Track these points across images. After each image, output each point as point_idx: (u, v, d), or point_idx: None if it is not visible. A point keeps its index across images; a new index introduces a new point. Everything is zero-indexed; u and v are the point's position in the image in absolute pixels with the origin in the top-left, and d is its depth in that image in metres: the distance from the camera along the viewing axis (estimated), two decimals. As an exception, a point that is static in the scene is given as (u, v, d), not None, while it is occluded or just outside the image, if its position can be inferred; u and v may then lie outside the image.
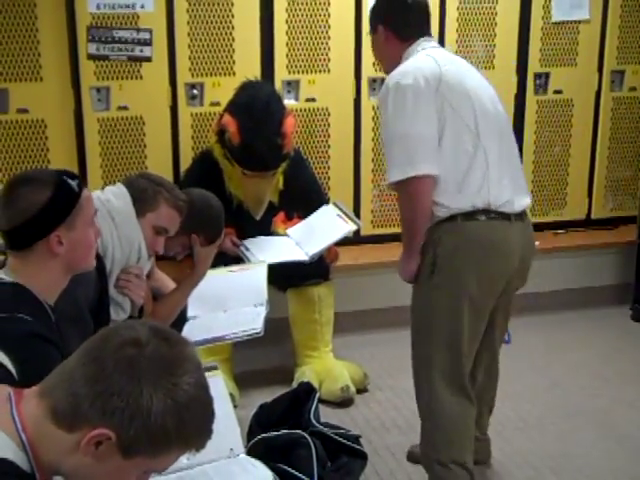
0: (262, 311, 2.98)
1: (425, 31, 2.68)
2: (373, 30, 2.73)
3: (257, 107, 3.41)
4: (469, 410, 2.58)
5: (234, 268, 3.28)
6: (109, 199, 2.42)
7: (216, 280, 3.07)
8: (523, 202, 2.56)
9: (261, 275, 3.18)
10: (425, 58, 2.54)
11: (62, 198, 1.79)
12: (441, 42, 4.14)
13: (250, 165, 3.44)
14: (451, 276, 2.47)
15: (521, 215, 2.56)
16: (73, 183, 1.82)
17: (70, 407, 1.20)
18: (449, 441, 2.56)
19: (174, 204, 2.50)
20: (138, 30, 3.71)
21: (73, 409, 1.19)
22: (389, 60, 2.68)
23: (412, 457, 3.04)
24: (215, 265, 3.01)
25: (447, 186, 2.43)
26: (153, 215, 2.46)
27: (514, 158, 2.62)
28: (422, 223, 2.47)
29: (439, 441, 2.57)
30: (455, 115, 2.44)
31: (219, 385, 2.16)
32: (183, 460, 1.95)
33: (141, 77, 3.78)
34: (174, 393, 1.19)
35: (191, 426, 1.21)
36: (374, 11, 2.76)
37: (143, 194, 2.45)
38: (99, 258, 2.21)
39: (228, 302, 3.08)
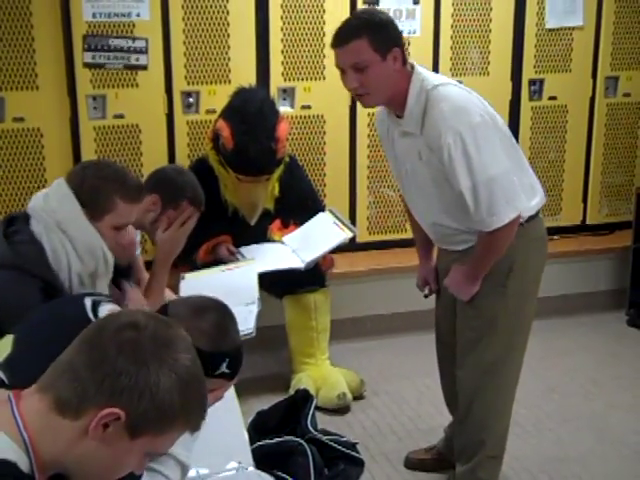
0: (254, 309, 2.98)
1: None
2: (382, 55, 2.30)
3: (250, 112, 3.43)
4: None
5: (225, 267, 3.29)
6: (54, 209, 2.18)
7: (207, 280, 3.08)
8: None
9: (251, 273, 3.19)
10: (459, 91, 2.38)
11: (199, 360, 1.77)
12: (436, 50, 4.17)
13: (243, 170, 3.44)
14: (527, 277, 2.55)
15: None
16: (224, 370, 1.77)
17: (75, 394, 1.21)
18: (506, 435, 2.69)
19: (131, 198, 2.30)
20: (134, 38, 3.72)
21: (79, 395, 1.21)
22: (391, 89, 2.36)
23: (409, 463, 3.05)
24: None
25: None
26: (111, 216, 2.24)
27: None
28: None
29: (502, 438, 2.67)
30: (505, 136, 2.45)
31: (230, 394, 2.15)
32: (191, 473, 1.95)
33: (137, 85, 3.78)
34: (177, 368, 1.23)
35: (193, 401, 1.26)
36: (387, 32, 2.34)
37: (96, 196, 2.21)
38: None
39: None
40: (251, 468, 2.12)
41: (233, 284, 3.16)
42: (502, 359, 2.56)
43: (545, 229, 2.62)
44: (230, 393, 2.19)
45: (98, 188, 2.21)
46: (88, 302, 1.82)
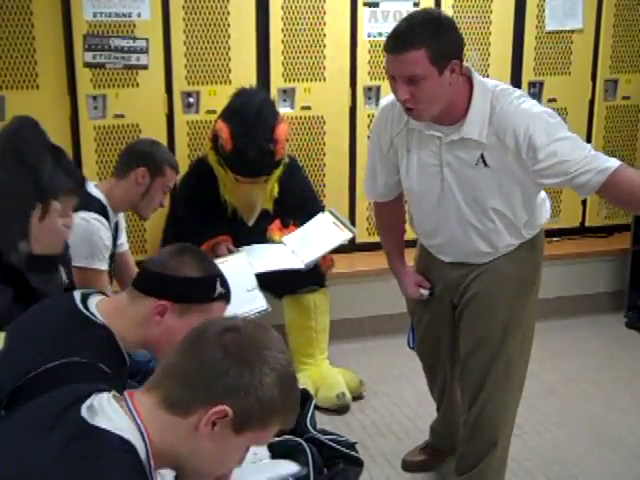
0: (258, 292, 3.06)
1: None
2: (440, 70, 2.12)
3: (249, 113, 3.44)
4: None
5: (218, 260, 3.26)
6: None
7: None
8: None
9: (243, 263, 3.25)
10: (527, 98, 2.29)
11: (197, 287, 1.78)
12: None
13: (242, 171, 3.45)
14: (539, 278, 2.61)
15: None
16: (220, 289, 1.81)
17: (185, 393, 1.30)
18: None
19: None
20: (134, 38, 3.73)
21: (188, 395, 1.29)
22: (444, 103, 2.20)
23: (408, 467, 3.05)
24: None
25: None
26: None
27: None
28: None
29: (510, 438, 2.68)
30: None
31: None
32: None
33: (137, 85, 3.79)
34: (276, 366, 1.32)
35: (290, 396, 1.35)
36: (448, 43, 2.15)
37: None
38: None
39: None
40: (266, 460, 2.15)
41: (229, 275, 3.16)
42: (518, 357, 2.57)
43: None
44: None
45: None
46: (77, 294, 1.84)
